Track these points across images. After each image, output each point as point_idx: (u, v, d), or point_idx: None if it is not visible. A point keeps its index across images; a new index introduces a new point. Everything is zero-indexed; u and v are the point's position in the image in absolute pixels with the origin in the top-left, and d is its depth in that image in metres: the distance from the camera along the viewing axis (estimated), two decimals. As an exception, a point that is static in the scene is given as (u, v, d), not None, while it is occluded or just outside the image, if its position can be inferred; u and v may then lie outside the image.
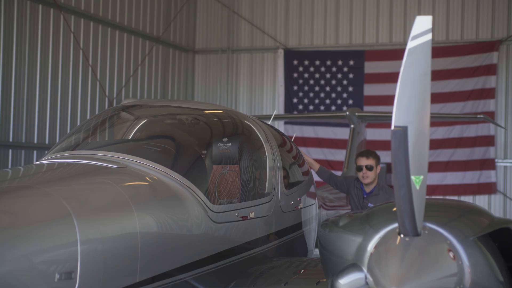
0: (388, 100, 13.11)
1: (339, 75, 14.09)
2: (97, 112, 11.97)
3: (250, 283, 4.34)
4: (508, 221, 3.13)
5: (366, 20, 14.09)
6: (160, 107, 5.30)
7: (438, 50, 12.92)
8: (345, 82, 14.04)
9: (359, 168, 6.27)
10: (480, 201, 13.11)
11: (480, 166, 13.09)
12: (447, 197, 12.86)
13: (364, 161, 6.29)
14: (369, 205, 6.06)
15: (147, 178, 3.96)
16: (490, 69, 12.94)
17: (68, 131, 11.29)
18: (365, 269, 3.01)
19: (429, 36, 2.68)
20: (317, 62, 14.22)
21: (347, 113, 9.11)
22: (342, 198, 7.42)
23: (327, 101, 14.18)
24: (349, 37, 14.19)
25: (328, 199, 7.31)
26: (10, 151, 10.29)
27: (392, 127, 2.74)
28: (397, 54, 13.18)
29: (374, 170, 6.26)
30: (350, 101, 13.90)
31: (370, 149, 6.52)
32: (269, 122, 6.49)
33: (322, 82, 14.18)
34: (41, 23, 10.77)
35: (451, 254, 2.87)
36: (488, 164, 13.05)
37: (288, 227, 5.47)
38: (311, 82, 14.29)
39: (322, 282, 4.06)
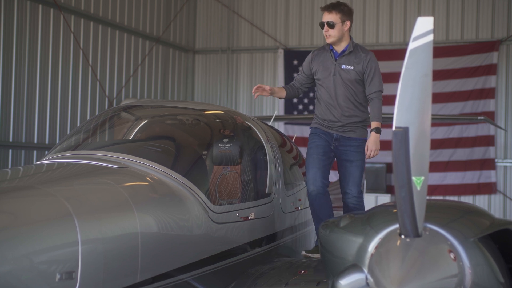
0: (389, 100, 13.09)
1: (339, 75, 14.08)
2: (97, 112, 11.97)
3: (250, 283, 4.34)
4: (508, 222, 3.13)
5: (366, 20, 14.09)
6: (161, 107, 5.30)
7: (438, 50, 12.92)
8: (345, 82, 14.03)
9: (321, 26, 5.31)
10: (480, 201, 13.11)
11: (480, 166, 13.09)
12: (447, 197, 12.88)
13: (325, 17, 5.30)
14: (343, 67, 5.21)
15: (148, 179, 3.96)
16: (490, 69, 12.94)
17: (68, 131, 11.29)
18: (365, 270, 3.01)
19: (430, 37, 2.69)
20: (317, 62, 14.21)
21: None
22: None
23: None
24: (349, 37, 14.19)
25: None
26: (10, 151, 10.29)
27: (393, 128, 2.74)
28: (397, 54, 13.19)
29: (338, 28, 5.22)
30: (350, 101, 13.89)
31: (338, 1, 5.41)
32: (270, 123, 6.50)
33: (322, 82, 14.19)
34: (41, 23, 10.77)
35: (451, 255, 2.87)
36: (488, 164, 13.05)
37: (289, 228, 5.48)
38: (311, 82, 14.29)
39: (322, 283, 4.06)
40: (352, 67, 5.18)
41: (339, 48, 5.28)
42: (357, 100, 5.23)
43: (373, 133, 5.10)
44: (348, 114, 5.21)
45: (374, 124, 5.12)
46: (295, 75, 5.72)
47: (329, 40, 5.26)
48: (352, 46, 5.25)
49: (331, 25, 5.22)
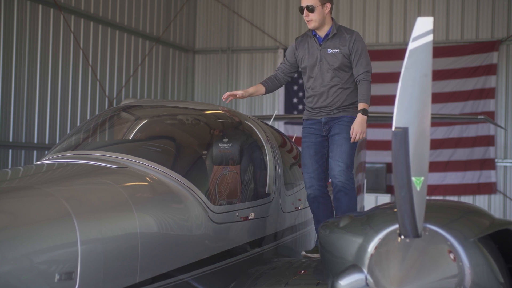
0: (388, 100, 13.11)
1: (339, 75, 14.08)
2: (97, 112, 11.97)
3: (250, 283, 4.33)
4: (508, 223, 3.13)
5: (366, 20, 14.10)
6: (161, 107, 5.30)
7: (438, 50, 12.92)
8: (345, 82, 14.03)
9: (300, 11, 5.11)
10: (480, 201, 13.11)
11: (480, 166, 13.09)
12: (447, 197, 12.88)
13: (304, 1, 5.06)
14: (329, 51, 5.02)
15: (148, 179, 3.96)
16: (490, 69, 12.95)
17: (68, 131, 11.29)
18: (365, 270, 3.01)
19: (430, 37, 2.69)
20: (317, 62, 14.22)
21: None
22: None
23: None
24: (349, 37, 14.19)
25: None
26: (10, 151, 10.29)
27: (393, 128, 2.74)
28: (397, 54, 13.19)
29: (318, 11, 5.01)
30: (350, 101, 13.89)
31: None
32: (270, 123, 6.49)
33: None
34: (41, 23, 10.77)
35: (451, 256, 2.87)
36: (488, 164, 13.05)
37: (289, 228, 5.47)
38: (311, 82, 14.29)
39: (322, 283, 4.06)
40: (338, 50, 5.00)
41: (322, 33, 5.09)
42: (345, 86, 5.05)
43: (359, 114, 4.89)
44: (337, 100, 5.04)
45: (361, 106, 4.91)
46: (276, 71, 5.47)
47: (310, 25, 5.06)
48: (336, 28, 5.05)
49: (310, 9, 5.01)
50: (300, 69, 5.29)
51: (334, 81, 5.04)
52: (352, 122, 4.95)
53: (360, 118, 4.88)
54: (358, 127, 4.86)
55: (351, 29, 5.13)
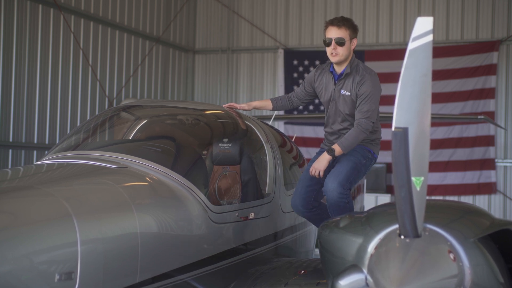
0: (388, 100, 13.07)
1: (339, 75, 14.08)
2: (97, 112, 11.97)
3: (250, 283, 4.34)
4: (508, 223, 3.13)
5: (366, 20, 14.09)
6: (161, 107, 5.30)
7: (438, 50, 12.92)
8: (345, 82, 14.03)
9: (327, 42, 4.73)
10: (480, 201, 13.11)
11: (480, 166, 13.09)
12: (447, 197, 12.88)
13: (334, 32, 4.70)
14: (342, 92, 4.75)
15: (147, 179, 3.96)
16: (490, 69, 12.95)
17: (68, 131, 11.29)
18: (365, 270, 3.01)
19: (430, 37, 2.69)
20: (317, 62, 14.21)
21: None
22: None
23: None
24: (349, 37, 14.19)
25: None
26: (10, 151, 10.29)
27: (393, 128, 2.74)
28: (397, 54, 13.19)
29: (347, 46, 4.70)
30: (350, 101, 13.89)
31: (344, 16, 4.89)
32: (270, 123, 6.49)
33: (322, 82, 14.20)
34: (41, 23, 10.77)
35: (451, 256, 2.87)
36: (488, 164, 13.05)
37: (288, 228, 5.47)
38: (311, 82, 14.29)
39: (322, 283, 4.06)
40: (349, 93, 4.74)
41: (339, 69, 4.81)
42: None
43: (325, 152, 4.69)
44: None
45: (335, 146, 4.67)
46: (295, 88, 5.26)
47: (335, 59, 4.72)
48: (350, 68, 4.75)
49: (341, 43, 4.67)
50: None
51: (344, 125, 4.86)
52: (363, 151, 4.80)
53: (322, 156, 4.69)
54: (317, 163, 4.69)
55: (364, 70, 4.76)
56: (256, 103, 5.20)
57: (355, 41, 4.76)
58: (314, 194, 4.88)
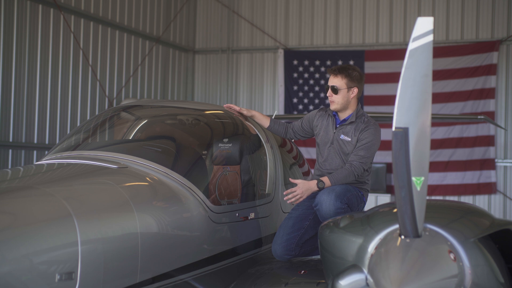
0: (388, 100, 13.12)
1: (339, 75, 14.07)
2: (97, 112, 11.97)
3: (250, 283, 4.34)
4: (508, 223, 3.13)
5: (366, 20, 14.09)
6: (161, 107, 5.30)
7: (438, 50, 12.93)
8: (345, 82, 14.02)
9: (326, 89, 4.79)
10: (480, 201, 13.11)
11: (480, 166, 13.09)
12: (447, 198, 12.88)
13: (330, 80, 4.74)
14: (341, 137, 4.72)
15: (148, 179, 3.96)
16: (490, 69, 12.94)
17: (68, 131, 11.29)
18: (365, 270, 3.01)
19: (430, 38, 2.69)
20: (317, 62, 14.22)
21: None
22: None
23: (327, 101, 14.16)
24: (349, 37, 14.19)
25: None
26: (10, 151, 10.29)
27: (393, 128, 2.75)
28: (397, 54, 13.19)
29: (343, 94, 4.68)
30: (350, 101, 13.89)
31: (348, 64, 4.90)
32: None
33: (322, 82, 14.19)
34: (41, 23, 10.76)
35: (451, 256, 2.88)
36: (488, 164, 13.05)
37: (289, 228, 5.46)
38: (311, 82, 14.29)
39: (322, 283, 4.06)
40: (349, 139, 4.70)
41: (342, 116, 4.78)
42: None
43: (314, 181, 4.54)
44: None
45: (325, 179, 4.55)
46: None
47: (332, 107, 4.75)
48: (356, 116, 4.72)
49: (335, 90, 4.69)
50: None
51: (339, 167, 4.75)
52: (356, 191, 4.70)
53: (311, 183, 4.53)
54: (301, 188, 4.51)
55: (370, 122, 4.75)
56: (256, 114, 5.11)
57: (355, 90, 4.71)
58: (296, 240, 4.72)
